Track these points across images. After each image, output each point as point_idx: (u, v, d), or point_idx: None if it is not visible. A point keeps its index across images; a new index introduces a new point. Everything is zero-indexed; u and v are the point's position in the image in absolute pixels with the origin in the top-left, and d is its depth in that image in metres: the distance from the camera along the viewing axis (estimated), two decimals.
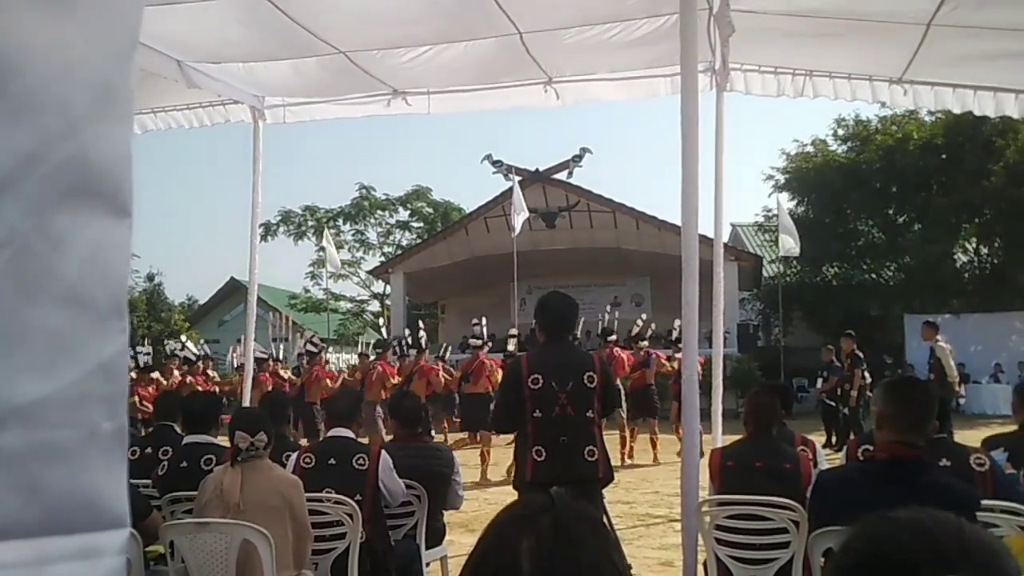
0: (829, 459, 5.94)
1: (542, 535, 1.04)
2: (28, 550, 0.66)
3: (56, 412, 0.68)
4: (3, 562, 0.64)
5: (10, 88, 0.64)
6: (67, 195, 0.69)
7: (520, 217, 17.44)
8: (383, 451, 4.45)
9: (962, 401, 17.55)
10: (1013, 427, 4.55)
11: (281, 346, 18.61)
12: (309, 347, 14.57)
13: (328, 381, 13.73)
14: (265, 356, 15.08)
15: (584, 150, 22.73)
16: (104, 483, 0.72)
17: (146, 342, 17.04)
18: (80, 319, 0.70)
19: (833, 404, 13.54)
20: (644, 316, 14.67)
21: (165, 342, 20.50)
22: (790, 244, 18.79)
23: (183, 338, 19.29)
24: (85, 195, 0.70)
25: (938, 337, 12.28)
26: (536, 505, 1.10)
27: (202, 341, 19.97)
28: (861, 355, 13.21)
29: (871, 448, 3.35)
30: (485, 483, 10.58)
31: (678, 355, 12.66)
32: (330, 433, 4.56)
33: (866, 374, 13.24)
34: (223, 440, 4.32)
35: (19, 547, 0.65)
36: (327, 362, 14.65)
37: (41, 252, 0.67)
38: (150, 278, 37.20)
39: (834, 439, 13.35)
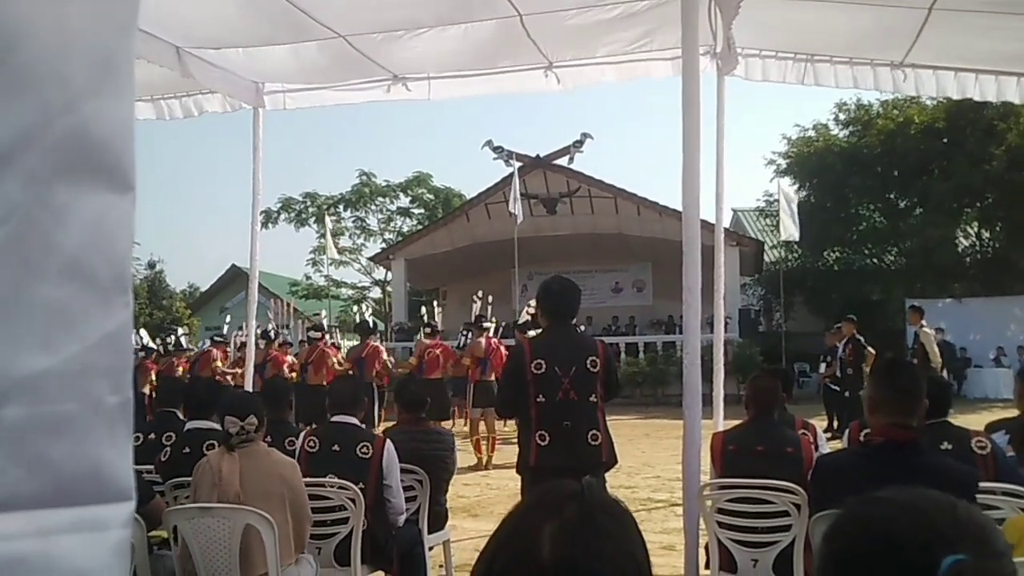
0: (829, 444, 5.95)
1: (566, 521, 1.04)
2: (33, 521, 0.66)
3: (59, 385, 0.68)
4: (8, 533, 0.64)
5: (11, 62, 0.64)
6: (68, 169, 0.68)
7: (517, 204, 17.38)
8: (388, 443, 4.43)
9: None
10: (1015, 412, 4.56)
11: (284, 332, 18.73)
12: (311, 333, 14.61)
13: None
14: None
15: (585, 135, 22.69)
16: (109, 456, 0.72)
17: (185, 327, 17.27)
18: (82, 293, 0.70)
19: (837, 389, 13.51)
20: (533, 302, 13.97)
21: (175, 329, 20.50)
22: (791, 229, 18.77)
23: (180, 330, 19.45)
24: (86, 169, 0.70)
25: (923, 322, 12.23)
26: (565, 492, 1.10)
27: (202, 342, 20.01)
28: (861, 339, 13.17)
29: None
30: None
31: None
32: (333, 419, 4.56)
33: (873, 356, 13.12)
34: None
35: (24, 518, 0.66)
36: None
37: (42, 226, 0.67)
38: (151, 265, 37.28)
39: (835, 424, 13.34)
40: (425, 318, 15.55)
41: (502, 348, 12.44)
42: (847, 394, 13.16)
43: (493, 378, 11.88)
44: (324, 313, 18.63)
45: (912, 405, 2.85)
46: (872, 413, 2.92)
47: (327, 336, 14.87)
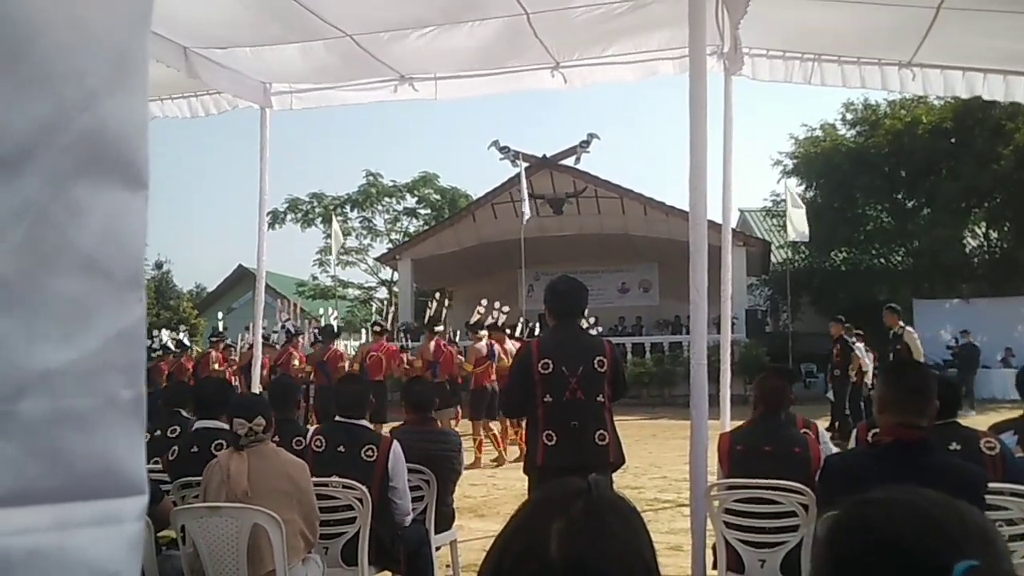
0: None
1: (573, 519, 1.04)
2: (50, 515, 0.67)
3: (76, 380, 0.69)
4: (26, 526, 0.65)
5: (29, 58, 0.65)
6: (84, 165, 0.69)
7: (526, 204, 17.32)
8: (394, 445, 4.42)
9: None
10: (1020, 412, 4.54)
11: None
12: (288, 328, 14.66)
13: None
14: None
15: (591, 136, 22.70)
16: (123, 450, 0.73)
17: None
18: (98, 289, 0.71)
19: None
20: (484, 301, 13.80)
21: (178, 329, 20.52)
22: (799, 229, 18.72)
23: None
24: (102, 166, 0.71)
25: (900, 323, 12.16)
26: (571, 489, 1.10)
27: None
28: (848, 339, 13.11)
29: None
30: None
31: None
32: (341, 419, 4.56)
33: (862, 358, 13.09)
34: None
35: (41, 512, 0.67)
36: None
37: (59, 222, 0.68)
38: (158, 265, 37.39)
39: (836, 424, 13.26)
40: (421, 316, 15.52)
41: (453, 351, 12.39)
42: (832, 396, 13.12)
43: (444, 380, 11.82)
44: (287, 317, 18.67)
45: (922, 405, 2.84)
46: (881, 412, 2.91)
47: (299, 339, 14.95)
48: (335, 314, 17.89)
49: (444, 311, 14.59)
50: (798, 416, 4.83)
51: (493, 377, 11.35)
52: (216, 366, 14.77)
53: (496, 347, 11.67)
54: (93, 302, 0.71)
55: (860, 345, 13.03)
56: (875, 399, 3.02)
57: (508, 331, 12.49)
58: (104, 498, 0.71)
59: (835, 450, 4.76)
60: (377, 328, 13.58)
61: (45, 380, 0.67)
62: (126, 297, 0.73)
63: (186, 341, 17.14)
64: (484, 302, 13.19)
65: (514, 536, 1.08)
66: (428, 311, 14.55)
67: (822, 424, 6.48)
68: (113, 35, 0.71)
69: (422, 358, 12.13)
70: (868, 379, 12.73)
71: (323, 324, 15.82)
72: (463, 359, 12.21)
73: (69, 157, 0.68)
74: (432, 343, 12.09)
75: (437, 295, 14.89)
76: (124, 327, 0.73)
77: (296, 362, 13.31)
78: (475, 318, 12.57)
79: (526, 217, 17.53)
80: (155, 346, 16.45)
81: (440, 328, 12.61)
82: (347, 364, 13.07)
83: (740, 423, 4.56)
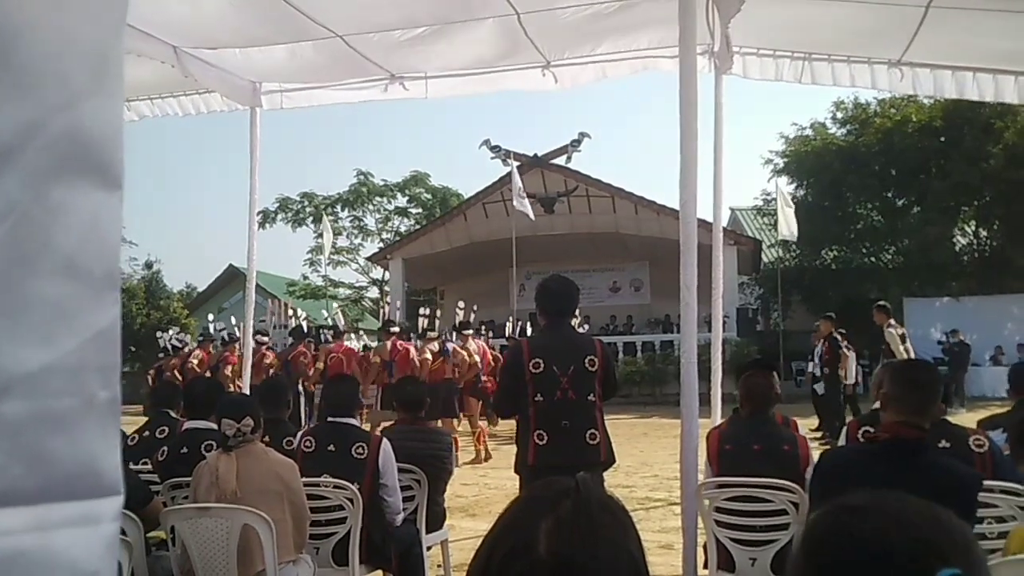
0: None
1: (561, 518, 1.04)
2: (30, 516, 0.67)
3: (56, 381, 0.70)
4: (7, 528, 0.65)
5: (13, 60, 0.65)
6: (64, 167, 0.70)
7: (524, 203, 17.40)
8: (384, 443, 4.42)
9: None
10: (1006, 408, 4.55)
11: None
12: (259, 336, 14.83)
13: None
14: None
15: (583, 135, 22.75)
16: (101, 451, 0.74)
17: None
18: (77, 289, 0.71)
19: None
20: (425, 310, 13.95)
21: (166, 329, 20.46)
22: (788, 228, 18.79)
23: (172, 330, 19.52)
24: (81, 167, 0.71)
25: (890, 321, 12.27)
26: (560, 488, 1.10)
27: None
28: (839, 337, 13.15)
29: (871, 430, 3.35)
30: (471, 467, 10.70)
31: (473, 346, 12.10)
32: (330, 419, 4.56)
33: (848, 356, 13.11)
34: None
35: (21, 514, 0.67)
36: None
37: (40, 223, 0.68)
38: (148, 266, 37.19)
39: (823, 423, 13.30)
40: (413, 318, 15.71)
41: (411, 350, 12.48)
42: (823, 393, 13.17)
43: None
44: (273, 316, 18.90)
45: (926, 404, 2.84)
46: (884, 409, 2.91)
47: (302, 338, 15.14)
48: (304, 315, 18.07)
49: (398, 313, 14.98)
50: (776, 412, 4.83)
51: (447, 375, 11.47)
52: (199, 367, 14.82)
53: (449, 345, 11.87)
54: (73, 302, 0.71)
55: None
56: (880, 395, 3.01)
57: (471, 331, 12.84)
58: (83, 499, 0.71)
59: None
60: (331, 331, 14.06)
61: (26, 381, 0.67)
62: (103, 297, 0.74)
63: (175, 342, 17.12)
64: (425, 311, 13.59)
65: (502, 535, 1.08)
66: (383, 314, 14.85)
67: (810, 423, 6.50)
68: (92, 38, 0.71)
69: (380, 357, 12.34)
70: (850, 378, 12.84)
71: (294, 324, 16.00)
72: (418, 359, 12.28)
73: (50, 158, 0.68)
74: (389, 343, 12.26)
75: (388, 298, 15.27)
76: (101, 327, 0.73)
77: (268, 361, 13.47)
78: (423, 324, 12.89)
79: (530, 214, 17.67)
80: (171, 344, 16.55)
81: (396, 329, 12.81)
82: (310, 365, 13.29)
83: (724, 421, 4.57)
